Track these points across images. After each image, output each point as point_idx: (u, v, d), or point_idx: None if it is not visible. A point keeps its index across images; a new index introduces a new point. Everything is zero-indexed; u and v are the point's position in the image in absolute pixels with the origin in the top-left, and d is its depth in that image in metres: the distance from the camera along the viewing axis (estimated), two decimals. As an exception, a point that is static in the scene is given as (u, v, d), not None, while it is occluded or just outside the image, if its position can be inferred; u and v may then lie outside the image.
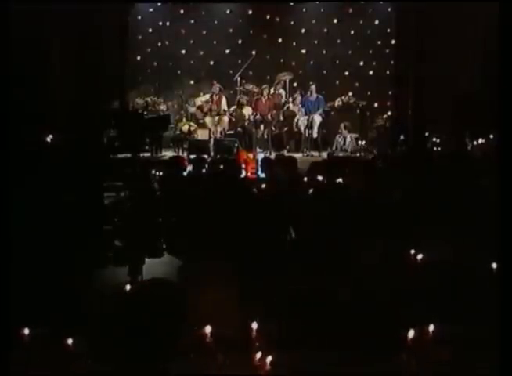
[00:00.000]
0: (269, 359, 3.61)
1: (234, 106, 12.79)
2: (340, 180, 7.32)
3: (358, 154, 11.65)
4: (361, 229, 5.49)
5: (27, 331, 3.81)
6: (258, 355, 3.65)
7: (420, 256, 5.17)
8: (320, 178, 7.62)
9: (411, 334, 3.84)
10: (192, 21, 13.73)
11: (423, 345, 3.82)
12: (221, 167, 8.66)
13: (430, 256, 5.10)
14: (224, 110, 12.46)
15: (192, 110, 12.82)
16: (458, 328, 3.92)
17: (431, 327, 3.91)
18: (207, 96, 12.76)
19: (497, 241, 3.82)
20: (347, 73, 13.56)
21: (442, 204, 6.03)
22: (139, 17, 13.74)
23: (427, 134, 11.37)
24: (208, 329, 3.90)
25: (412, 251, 5.20)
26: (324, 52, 13.60)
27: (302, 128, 12.21)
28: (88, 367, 3.57)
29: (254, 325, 3.93)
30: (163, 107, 13.11)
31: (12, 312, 3.73)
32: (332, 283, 4.39)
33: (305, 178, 7.66)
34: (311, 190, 6.90)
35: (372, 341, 3.73)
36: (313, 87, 12.47)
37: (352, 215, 5.69)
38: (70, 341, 3.74)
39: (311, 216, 5.84)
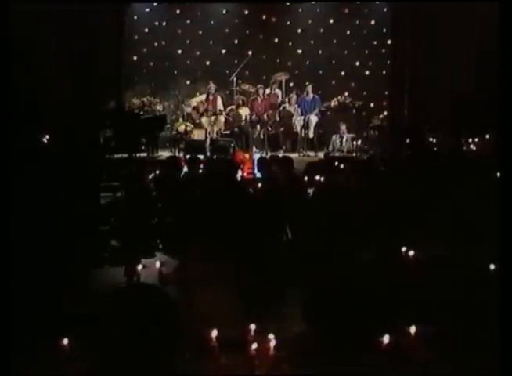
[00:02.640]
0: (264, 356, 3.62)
1: (230, 107, 12.78)
2: (336, 180, 7.34)
3: (354, 154, 11.66)
4: (357, 228, 5.50)
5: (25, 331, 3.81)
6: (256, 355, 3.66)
7: (413, 255, 5.18)
8: (317, 177, 7.64)
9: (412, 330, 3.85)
10: (189, 21, 13.73)
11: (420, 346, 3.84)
12: (218, 167, 8.65)
13: (427, 255, 5.11)
14: (220, 110, 12.44)
15: (188, 110, 12.80)
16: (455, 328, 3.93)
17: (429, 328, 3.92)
18: (203, 97, 12.73)
19: (496, 241, 3.82)
20: (343, 73, 13.57)
21: (438, 204, 6.05)
22: (136, 17, 13.74)
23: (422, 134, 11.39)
24: (206, 329, 3.90)
25: (404, 249, 5.22)
26: (320, 52, 13.61)
27: (298, 128, 12.20)
28: (86, 368, 3.57)
29: (252, 326, 3.93)
30: (159, 107, 13.08)
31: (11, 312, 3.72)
32: (329, 283, 4.39)
33: (302, 178, 7.67)
34: (307, 190, 6.91)
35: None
36: (309, 87, 12.47)
37: (349, 214, 5.70)
38: (66, 341, 3.73)
39: (308, 216, 5.85)
